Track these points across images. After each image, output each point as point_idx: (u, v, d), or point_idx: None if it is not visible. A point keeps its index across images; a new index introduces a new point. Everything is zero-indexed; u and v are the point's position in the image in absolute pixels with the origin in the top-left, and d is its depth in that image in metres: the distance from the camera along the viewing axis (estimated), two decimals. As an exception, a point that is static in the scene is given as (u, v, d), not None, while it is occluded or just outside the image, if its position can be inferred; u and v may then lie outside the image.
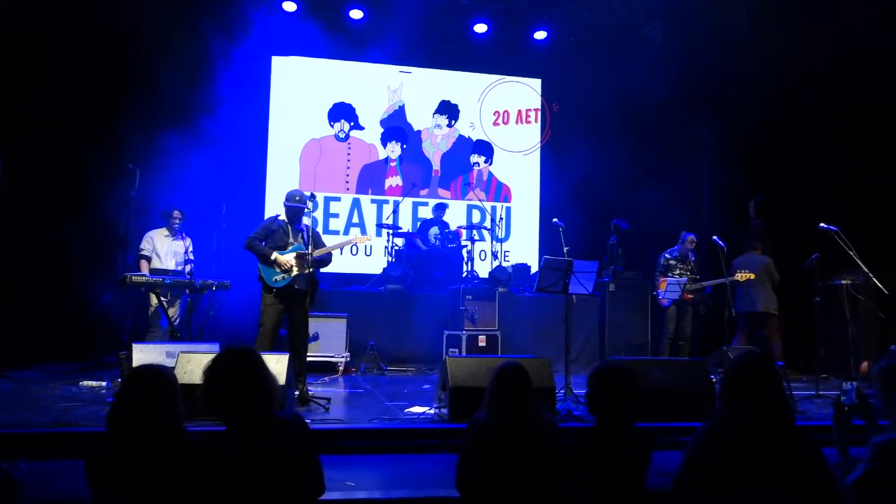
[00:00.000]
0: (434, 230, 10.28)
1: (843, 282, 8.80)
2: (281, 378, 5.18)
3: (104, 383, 6.79)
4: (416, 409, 5.97)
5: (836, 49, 8.86)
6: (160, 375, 2.60)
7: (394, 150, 11.49)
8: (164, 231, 7.93)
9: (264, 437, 2.58)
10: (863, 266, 7.58)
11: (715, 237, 8.18)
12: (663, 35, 10.92)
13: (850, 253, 7.40)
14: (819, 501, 2.63)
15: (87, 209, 8.73)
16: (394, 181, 11.44)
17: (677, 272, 8.43)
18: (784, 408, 2.78)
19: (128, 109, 8.99)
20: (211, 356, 5.41)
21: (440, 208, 10.59)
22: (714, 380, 6.59)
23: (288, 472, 2.59)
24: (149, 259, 7.81)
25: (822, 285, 8.42)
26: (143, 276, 7.35)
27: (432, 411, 5.82)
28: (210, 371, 2.65)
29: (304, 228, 6.47)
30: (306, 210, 6.47)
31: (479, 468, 3.09)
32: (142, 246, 7.91)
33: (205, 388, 2.63)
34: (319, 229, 10.56)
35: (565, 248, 7.15)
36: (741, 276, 8.06)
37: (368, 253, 11.08)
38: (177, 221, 7.94)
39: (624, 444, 3.13)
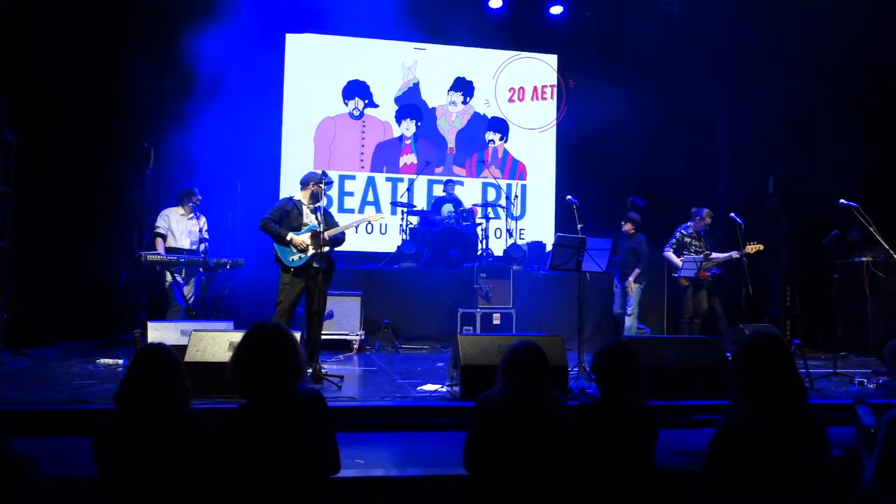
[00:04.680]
0: (448, 207, 10.25)
1: (864, 259, 8.67)
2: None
3: (120, 361, 6.84)
4: (429, 387, 5.98)
5: (856, 22, 8.68)
6: (164, 355, 2.60)
7: (408, 127, 11.44)
8: (179, 209, 7.95)
9: (284, 413, 2.58)
10: (883, 243, 7.44)
11: (733, 214, 8.06)
12: (682, 10, 10.72)
13: (871, 229, 7.26)
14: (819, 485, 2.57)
15: (104, 187, 8.77)
16: (408, 159, 11.40)
17: (693, 250, 8.26)
18: (798, 391, 2.68)
19: (142, 88, 8.99)
20: (224, 334, 5.49)
21: (450, 184, 10.57)
22: (730, 357, 6.54)
23: (305, 448, 2.59)
24: (164, 237, 7.83)
25: (842, 262, 8.30)
26: (159, 254, 7.40)
27: (444, 389, 5.82)
28: (241, 346, 2.65)
29: (318, 209, 6.48)
30: (323, 190, 6.51)
31: (487, 446, 3.08)
32: (157, 224, 7.93)
33: (234, 363, 2.63)
34: (334, 208, 10.60)
35: (579, 226, 7.11)
36: (751, 248, 7.92)
37: (383, 231, 11.07)
38: (196, 201, 7.95)
39: (628, 420, 3.12)
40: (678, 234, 8.36)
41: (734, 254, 7.99)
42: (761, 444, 2.52)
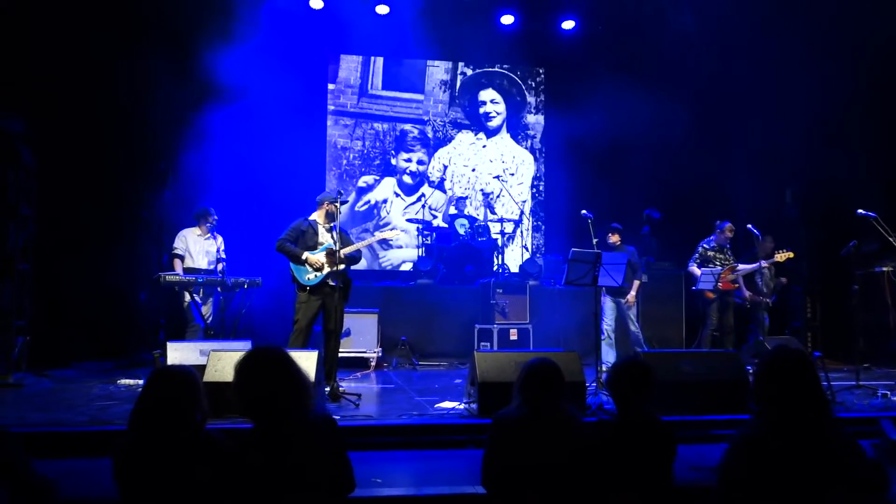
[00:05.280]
0: (461, 221, 10.30)
1: (884, 269, 8.57)
2: (311, 375, 5.21)
3: (140, 381, 6.88)
4: (446, 405, 5.96)
5: (874, 32, 8.62)
6: (180, 376, 2.61)
7: (425, 143, 11.50)
8: (196, 230, 8.01)
9: (294, 436, 2.58)
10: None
11: (750, 225, 8.02)
12: (695, 22, 10.68)
13: (890, 239, 7.17)
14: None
15: (122, 208, 8.86)
16: (422, 174, 11.46)
17: (717, 263, 8.21)
18: (822, 406, 2.63)
19: (160, 107, 9.08)
20: (242, 354, 5.51)
21: (461, 201, 10.64)
22: (751, 371, 6.48)
23: (317, 470, 2.60)
24: (182, 258, 7.90)
25: (862, 273, 8.20)
26: (177, 275, 7.46)
27: (462, 406, 5.81)
28: (239, 370, 2.66)
29: (334, 227, 6.53)
30: (338, 210, 6.56)
31: (504, 464, 3.07)
32: (175, 245, 7.99)
33: (235, 388, 2.64)
34: (348, 225, 10.64)
35: (594, 240, 7.09)
36: (781, 256, 7.85)
37: (399, 247, 11.10)
38: (213, 221, 8.02)
39: (645, 436, 3.09)
40: (701, 249, 8.31)
41: (762, 263, 7.94)
42: (783, 459, 2.48)
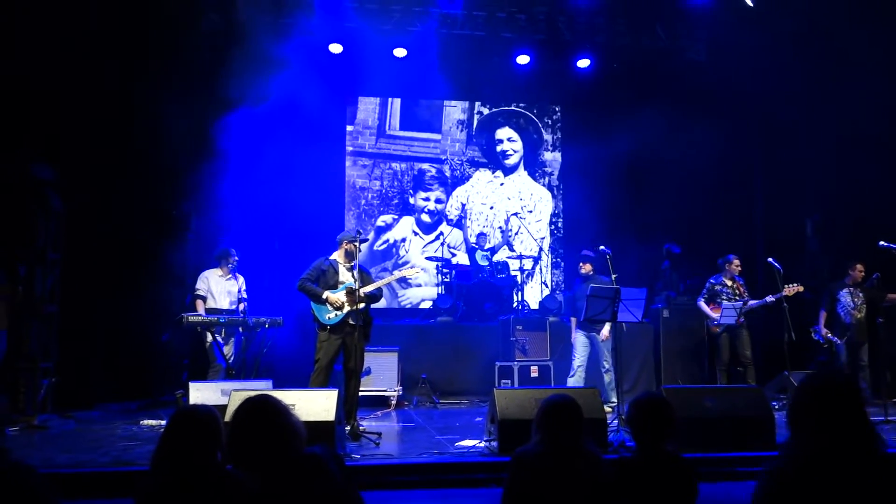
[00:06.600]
0: (484, 253, 10.36)
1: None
2: (331, 414, 5.23)
3: (163, 422, 6.91)
4: (467, 443, 5.94)
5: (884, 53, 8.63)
6: (201, 416, 2.64)
7: (442, 182, 11.60)
8: (218, 271, 8.12)
9: (293, 479, 2.58)
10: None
11: (771, 259, 7.98)
12: (708, 56, 10.78)
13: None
14: None
15: (146, 250, 8.98)
16: (440, 213, 11.54)
17: (724, 297, 8.21)
18: (870, 435, 2.35)
19: (183, 150, 9.25)
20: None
21: (482, 237, 10.71)
22: (776, 406, 6.41)
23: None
24: (204, 299, 8.00)
25: (888, 305, 8.11)
26: (199, 315, 7.55)
27: (482, 444, 5.78)
28: (228, 435, 2.65)
29: (354, 266, 6.61)
30: (358, 249, 6.64)
31: (524, 502, 3.05)
32: (197, 286, 8.10)
33: (227, 449, 2.63)
34: (368, 264, 10.71)
35: (613, 276, 7.09)
36: (790, 290, 7.80)
37: (419, 286, 11.15)
38: (234, 262, 8.12)
39: (667, 473, 3.06)
40: (709, 285, 8.43)
41: (769, 298, 7.90)
42: (826, 495, 2.33)
